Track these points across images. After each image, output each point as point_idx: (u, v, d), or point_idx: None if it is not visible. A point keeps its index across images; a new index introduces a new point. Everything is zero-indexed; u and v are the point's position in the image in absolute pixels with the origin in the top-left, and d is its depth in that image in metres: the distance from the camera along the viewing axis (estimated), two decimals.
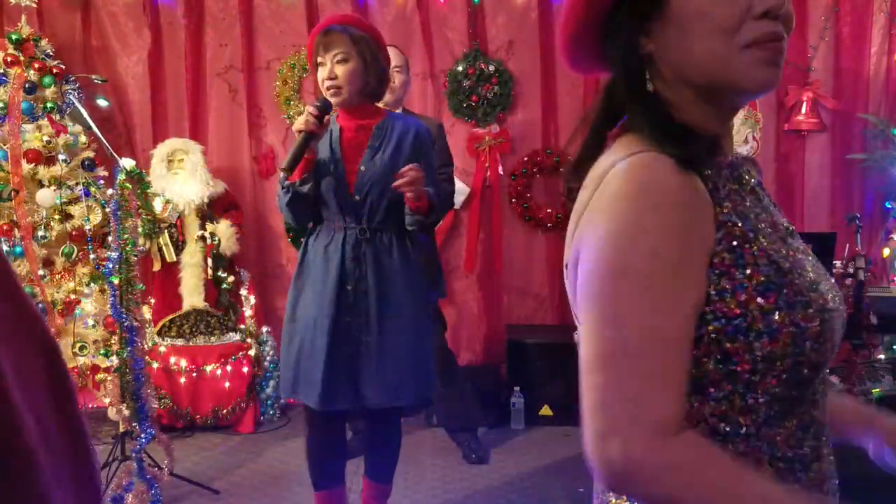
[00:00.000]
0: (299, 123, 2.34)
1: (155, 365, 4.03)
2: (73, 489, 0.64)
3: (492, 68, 4.60)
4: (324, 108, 2.36)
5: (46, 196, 3.96)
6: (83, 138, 4.15)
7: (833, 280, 0.88)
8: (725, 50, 0.81)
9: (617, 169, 0.81)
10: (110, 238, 3.06)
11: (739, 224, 0.79)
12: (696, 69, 0.84)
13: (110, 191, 3.06)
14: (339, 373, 2.40)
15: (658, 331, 0.74)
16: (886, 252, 4.29)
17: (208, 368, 4.13)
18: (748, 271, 0.77)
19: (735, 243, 0.78)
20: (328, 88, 2.39)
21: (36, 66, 4.04)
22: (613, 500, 0.89)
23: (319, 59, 2.40)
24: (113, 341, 3.84)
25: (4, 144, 3.95)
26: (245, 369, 4.19)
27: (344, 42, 2.35)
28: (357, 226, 2.44)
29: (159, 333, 4.23)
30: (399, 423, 2.75)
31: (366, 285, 2.41)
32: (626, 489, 0.79)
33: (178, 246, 4.31)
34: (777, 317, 0.77)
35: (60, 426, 0.64)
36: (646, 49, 0.86)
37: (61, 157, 4.00)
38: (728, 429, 0.80)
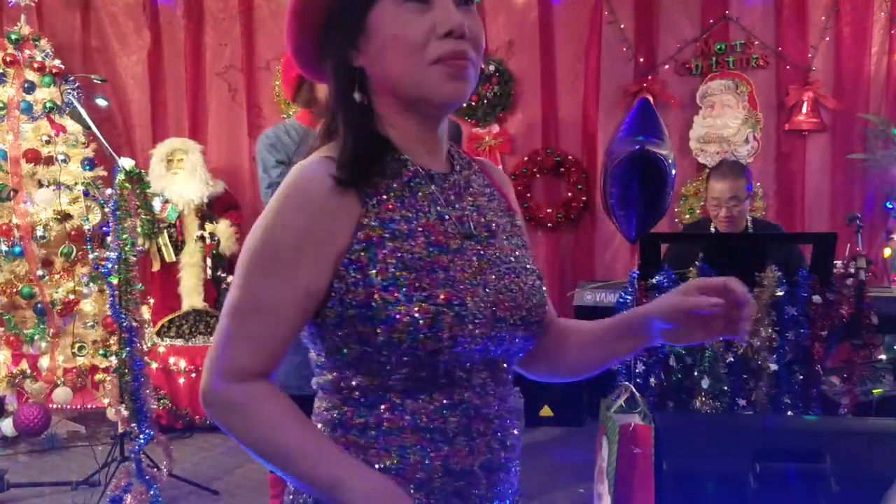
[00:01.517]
0: None
1: (154, 365, 4.02)
2: None
3: (492, 68, 4.60)
4: None
5: (46, 196, 3.95)
6: (82, 138, 4.14)
7: (520, 275, 1.00)
8: (415, 66, 0.92)
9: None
10: (109, 238, 3.06)
11: (379, 228, 0.92)
12: (393, 84, 0.94)
13: (109, 190, 3.06)
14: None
15: (256, 300, 0.92)
16: (887, 252, 4.28)
17: None
18: (378, 268, 0.90)
19: (370, 244, 0.91)
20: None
21: (35, 65, 4.03)
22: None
23: None
24: (112, 341, 3.83)
25: (4, 144, 3.95)
26: None
27: None
28: None
29: (158, 334, 4.22)
30: None
31: None
32: (210, 417, 0.97)
33: (178, 246, 4.30)
34: (397, 308, 0.89)
35: None
36: (356, 62, 0.96)
37: (60, 156, 4.00)
38: (376, 397, 0.94)
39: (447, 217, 0.97)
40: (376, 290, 0.90)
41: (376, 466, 0.93)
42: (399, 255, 0.91)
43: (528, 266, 1.02)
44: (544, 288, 1.04)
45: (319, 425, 0.98)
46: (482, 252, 0.97)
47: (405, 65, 0.92)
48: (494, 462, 0.98)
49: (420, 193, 0.96)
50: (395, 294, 0.89)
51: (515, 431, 1.02)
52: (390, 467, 0.93)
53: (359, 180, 0.92)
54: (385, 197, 0.94)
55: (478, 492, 0.96)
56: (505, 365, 1.01)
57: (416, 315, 0.89)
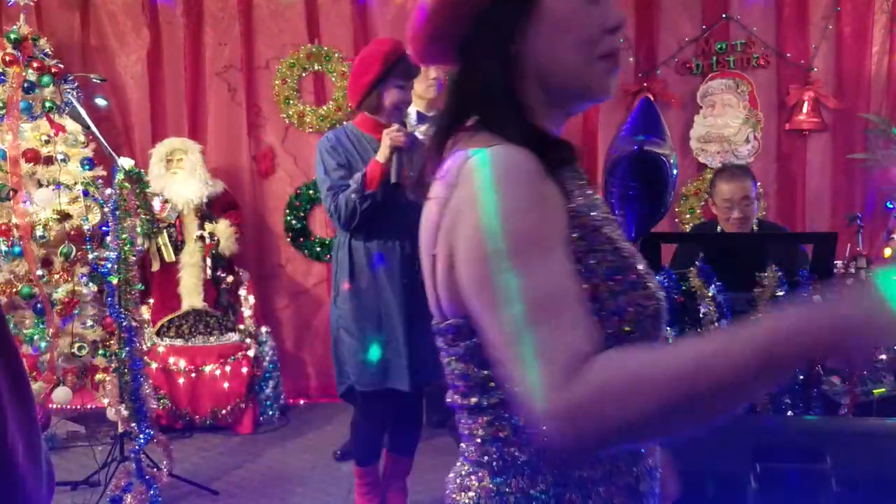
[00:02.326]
0: (398, 141, 2.61)
1: (154, 365, 4.03)
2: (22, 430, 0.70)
3: None
4: (404, 125, 2.69)
5: (45, 196, 3.95)
6: (82, 138, 4.14)
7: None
8: (586, 59, 0.89)
9: (476, 161, 0.84)
10: (109, 238, 3.05)
11: (587, 213, 0.86)
12: (559, 74, 0.90)
13: (109, 190, 3.05)
14: (417, 356, 2.69)
15: (549, 290, 0.76)
16: (888, 252, 4.28)
17: (207, 369, 4.12)
18: (598, 256, 0.83)
19: (585, 231, 0.84)
20: (402, 108, 2.73)
21: (35, 65, 4.02)
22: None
23: (400, 83, 2.69)
24: (112, 341, 3.83)
25: (3, 144, 3.94)
26: (244, 370, 4.18)
27: (415, 70, 2.74)
28: (410, 226, 2.62)
29: (158, 333, 4.22)
30: (420, 400, 3.04)
31: (421, 275, 2.62)
32: (576, 446, 0.73)
33: (177, 246, 4.30)
34: (623, 298, 0.82)
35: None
36: (514, 52, 0.90)
37: (60, 156, 3.99)
38: None
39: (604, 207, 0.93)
40: (600, 280, 0.83)
41: (589, 479, 0.87)
42: (611, 241, 0.86)
43: None
44: None
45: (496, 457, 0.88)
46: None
47: (576, 56, 0.89)
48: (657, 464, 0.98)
49: (585, 184, 0.92)
50: (621, 283, 0.84)
51: None
52: (600, 479, 0.88)
53: (557, 167, 0.87)
54: (574, 184, 0.89)
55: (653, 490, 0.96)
56: None
57: (646, 304, 0.84)
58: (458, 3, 0.91)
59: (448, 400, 0.96)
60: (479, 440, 0.92)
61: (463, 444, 0.96)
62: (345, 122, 2.96)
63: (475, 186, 0.82)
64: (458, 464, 0.97)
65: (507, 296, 0.76)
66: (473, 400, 0.91)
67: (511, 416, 0.87)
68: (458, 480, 0.95)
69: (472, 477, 0.93)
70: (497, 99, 0.90)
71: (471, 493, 0.92)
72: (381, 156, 2.62)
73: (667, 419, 0.72)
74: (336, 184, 2.70)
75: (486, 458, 0.91)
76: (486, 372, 0.88)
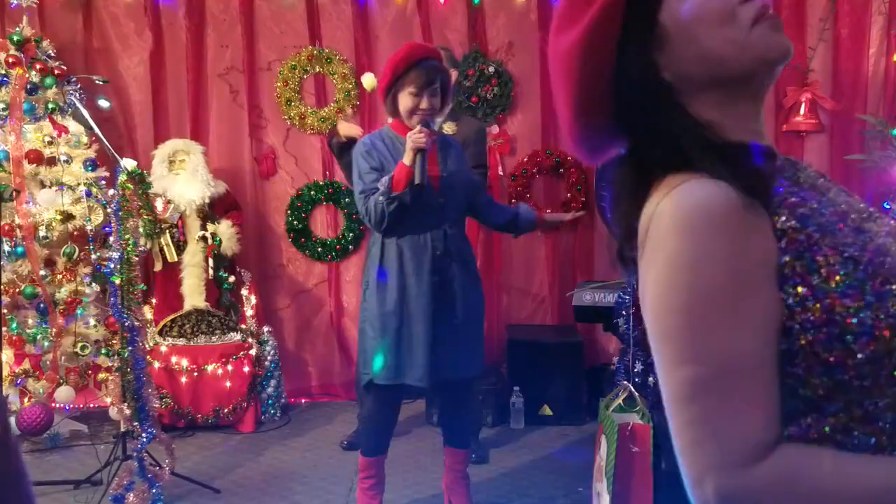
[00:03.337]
0: (420, 143, 2.66)
1: (156, 364, 4.05)
2: None
3: (492, 69, 4.61)
4: (429, 128, 2.72)
5: (48, 196, 3.97)
6: (84, 139, 4.16)
7: None
8: (738, 33, 0.83)
9: (662, 205, 0.79)
10: (112, 238, 3.07)
11: (801, 228, 0.76)
12: (723, 63, 0.84)
13: (112, 191, 3.08)
14: (437, 353, 2.78)
15: (733, 357, 0.72)
16: None
17: (209, 368, 4.15)
18: (823, 274, 0.74)
19: (802, 249, 0.75)
20: (421, 115, 2.74)
21: (37, 66, 4.05)
22: None
23: (413, 90, 2.72)
24: (114, 341, 3.86)
25: (6, 145, 3.96)
26: (246, 369, 4.20)
27: (438, 76, 2.76)
28: (442, 224, 2.81)
29: (160, 333, 4.24)
30: (476, 389, 3.18)
31: (452, 274, 2.81)
32: None
33: (180, 246, 4.32)
34: (869, 313, 0.72)
35: None
36: (665, 78, 0.85)
37: (63, 157, 4.01)
38: (856, 442, 0.75)
39: (840, 200, 0.84)
40: (835, 298, 0.73)
41: None
42: (840, 249, 0.75)
43: None
44: None
45: None
46: (879, 234, 0.81)
47: (727, 36, 0.83)
48: None
49: (804, 180, 0.85)
50: (862, 297, 0.73)
51: None
52: None
53: (766, 186, 0.78)
54: (785, 191, 0.80)
55: None
56: None
57: None
58: (591, 77, 0.86)
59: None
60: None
61: None
62: (383, 126, 3.02)
63: (662, 231, 0.77)
64: None
65: (691, 354, 0.73)
66: None
67: None
68: None
69: None
70: (676, 133, 0.84)
71: None
72: (407, 158, 2.67)
73: None
74: (368, 187, 2.77)
75: None
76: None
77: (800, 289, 0.73)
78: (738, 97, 0.87)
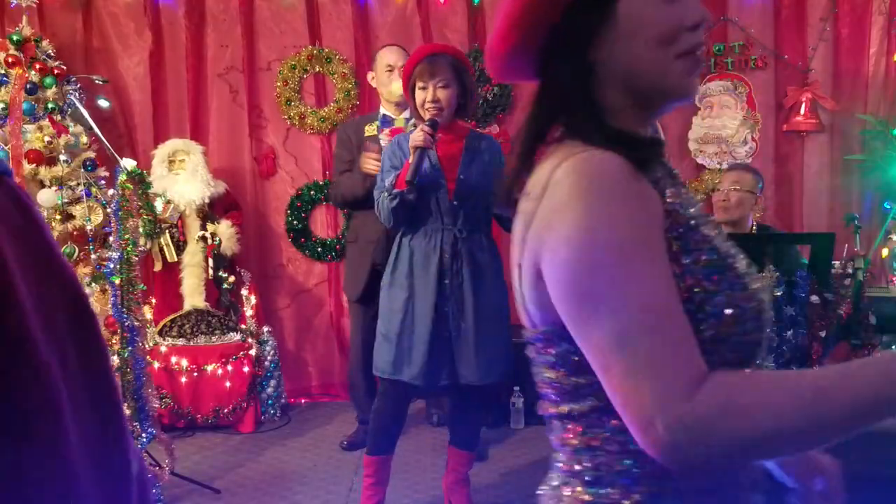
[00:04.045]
0: (417, 141, 2.68)
1: (156, 365, 4.04)
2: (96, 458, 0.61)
3: None
4: (434, 126, 2.71)
5: (48, 196, 3.97)
6: (84, 139, 4.15)
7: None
8: (664, 58, 0.88)
9: (563, 170, 0.84)
10: (111, 238, 3.07)
11: (683, 213, 0.84)
12: (640, 76, 0.89)
13: (111, 191, 3.07)
14: (438, 354, 2.78)
15: (653, 302, 0.77)
16: (885, 252, 4.30)
17: (209, 368, 4.14)
18: (694, 256, 0.81)
19: (681, 230, 0.82)
20: (430, 109, 2.75)
21: (37, 66, 4.04)
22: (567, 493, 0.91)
23: (421, 84, 2.75)
24: (114, 341, 3.85)
25: (6, 145, 3.96)
26: (246, 369, 4.20)
27: (446, 69, 2.75)
28: (454, 227, 2.82)
29: (160, 333, 4.24)
30: (486, 398, 3.14)
31: (461, 278, 2.81)
32: (694, 459, 0.76)
33: (179, 246, 4.32)
34: (722, 298, 0.80)
35: (85, 380, 0.62)
36: (591, 57, 0.90)
37: (62, 157, 4.01)
38: None
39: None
40: (699, 280, 0.81)
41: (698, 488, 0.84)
42: (708, 239, 0.84)
43: None
44: None
45: (589, 461, 0.86)
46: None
47: (654, 55, 0.88)
48: None
49: (675, 179, 0.92)
50: (718, 283, 0.81)
51: None
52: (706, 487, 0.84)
53: (648, 166, 0.85)
54: (665, 183, 0.88)
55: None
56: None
57: (745, 304, 0.81)
58: (534, 18, 0.90)
59: (539, 411, 0.95)
60: (571, 450, 0.90)
61: (555, 455, 0.94)
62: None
63: (563, 196, 0.82)
64: (550, 474, 0.95)
65: (613, 306, 0.76)
66: (564, 408, 0.89)
67: (604, 423, 0.86)
68: (550, 492, 0.94)
69: (565, 488, 0.91)
70: (579, 106, 0.91)
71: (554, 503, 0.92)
72: (411, 156, 2.71)
73: (780, 442, 0.75)
74: (382, 185, 2.82)
75: (578, 467, 0.90)
76: (576, 379, 0.87)
77: (673, 265, 0.80)
78: (639, 108, 0.92)
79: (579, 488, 0.89)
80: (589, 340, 0.80)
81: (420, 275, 2.79)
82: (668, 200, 0.84)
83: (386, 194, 2.74)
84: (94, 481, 0.61)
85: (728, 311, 0.80)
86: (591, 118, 0.89)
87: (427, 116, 2.75)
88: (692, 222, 0.84)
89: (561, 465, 0.92)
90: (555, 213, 0.83)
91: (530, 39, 0.92)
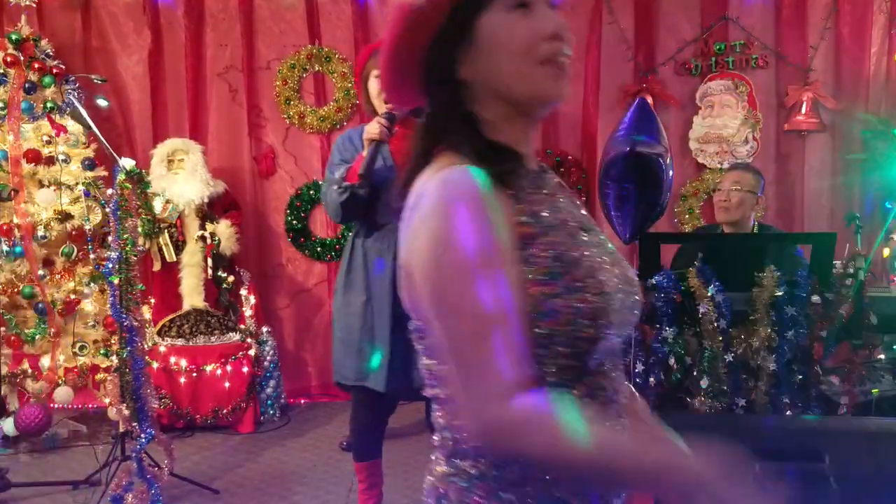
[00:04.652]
0: (373, 133, 2.55)
1: (155, 365, 4.03)
2: None
3: None
4: (391, 119, 2.58)
5: (46, 196, 3.96)
6: (83, 138, 4.15)
7: (626, 267, 1.01)
8: (526, 67, 0.96)
9: (432, 183, 0.93)
10: (110, 238, 3.06)
11: (530, 224, 0.93)
12: (508, 87, 0.98)
13: (110, 190, 3.06)
14: (400, 359, 2.60)
15: (487, 312, 0.87)
16: (886, 252, 4.29)
17: (208, 368, 4.13)
18: (537, 262, 0.91)
19: (525, 241, 0.92)
20: (387, 102, 2.59)
21: (36, 66, 4.04)
22: (438, 469, 1.01)
23: (376, 72, 2.60)
24: (113, 341, 3.84)
25: (4, 144, 3.95)
26: (245, 369, 4.19)
27: None
28: None
29: (159, 333, 4.23)
30: None
31: None
32: (506, 454, 0.90)
33: (178, 246, 4.31)
34: (557, 301, 0.89)
35: None
36: (461, 76, 0.99)
37: (61, 156, 4.00)
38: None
39: (564, 211, 1.00)
40: (534, 284, 0.90)
41: None
42: (553, 247, 0.93)
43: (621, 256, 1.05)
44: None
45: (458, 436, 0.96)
46: (599, 243, 1.01)
47: (517, 66, 0.96)
48: None
49: (545, 189, 1.00)
50: (554, 287, 0.90)
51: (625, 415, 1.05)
52: None
53: (506, 178, 0.94)
54: (527, 193, 0.96)
55: None
56: (621, 354, 1.04)
57: (579, 305, 0.90)
58: (407, 46, 1.00)
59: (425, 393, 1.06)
60: (440, 427, 1.02)
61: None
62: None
63: (427, 209, 0.92)
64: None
65: (455, 312, 0.88)
66: (436, 391, 1.01)
67: None
68: (431, 465, 1.05)
69: (435, 461, 1.03)
70: (454, 123, 1.00)
71: (430, 477, 1.04)
72: (365, 149, 2.58)
73: (561, 473, 0.89)
74: (330, 178, 2.68)
75: (442, 443, 1.01)
76: (441, 367, 0.98)
77: (518, 273, 0.90)
78: (517, 115, 1.01)
79: (442, 461, 1.01)
80: (439, 337, 0.93)
81: (378, 278, 2.66)
82: (517, 214, 0.93)
83: (335, 187, 2.59)
84: None
85: (562, 313, 0.89)
86: (462, 134, 0.98)
87: (383, 109, 2.61)
88: (538, 233, 0.93)
89: (435, 440, 1.03)
90: (420, 223, 0.93)
91: (408, 67, 1.02)
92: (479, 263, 0.87)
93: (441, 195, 0.90)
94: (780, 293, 2.52)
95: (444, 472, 1.00)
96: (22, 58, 4.01)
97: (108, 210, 3.16)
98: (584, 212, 1.06)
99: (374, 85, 2.66)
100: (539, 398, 0.86)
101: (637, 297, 1.01)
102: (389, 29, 1.02)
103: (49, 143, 4.01)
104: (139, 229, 3.20)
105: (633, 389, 1.13)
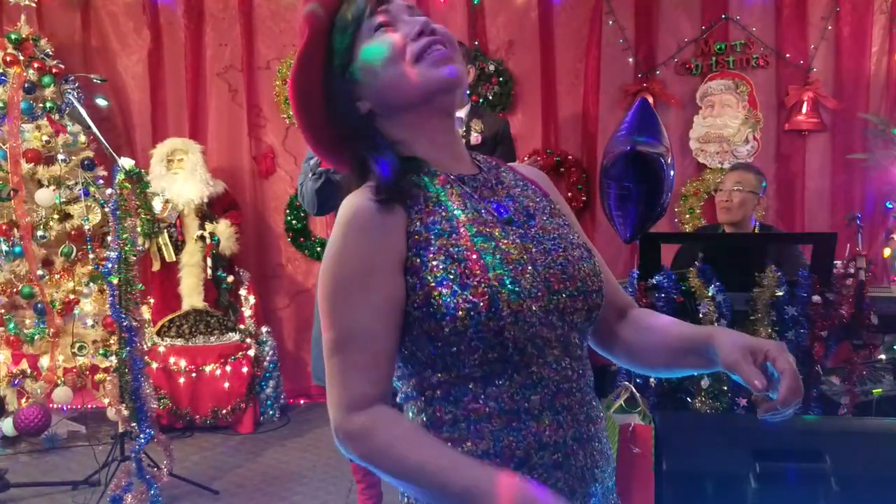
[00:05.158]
0: None
1: (154, 365, 4.03)
2: None
3: (492, 68, 4.60)
4: None
5: (46, 196, 3.95)
6: (82, 138, 4.15)
7: (569, 253, 1.05)
8: (404, 69, 1.02)
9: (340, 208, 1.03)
10: (109, 238, 3.06)
11: (423, 232, 0.99)
12: (395, 96, 1.04)
13: (109, 190, 3.06)
14: None
15: (349, 331, 0.97)
16: (887, 252, 4.28)
17: (208, 368, 4.13)
18: (429, 267, 0.97)
19: (420, 248, 0.98)
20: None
21: (35, 65, 4.03)
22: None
23: None
24: (112, 341, 3.84)
25: (4, 144, 3.95)
26: (244, 369, 4.18)
27: None
28: None
29: (159, 333, 4.22)
30: None
31: None
32: (358, 458, 0.98)
33: (178, 246, 4.30)
34: (454, 299, 0.95)
35: None
36: (364, 108, 1.06)
37: (60, 156, 4.00)
38: (458, 391, 0.99)
39: (483, 210, 1.04)
40: (432, 287, 0.96)
41: (476, 454, 0.98)
42: (446, 251, 0.98)
43: (573, 241, 1.08)
44: (595, 260, 1.09)
45: None
46: (524, 233, 1.04)
47: (395, 73, 1.03)
48: (584, 434, 1.03)
49: (454, 195, 1.05)
50: (451, 287, 0.96)
51: (594, 404, 1.07)
52: (488, 451, 0.98)
53: (398, 195, 1.00)
54: (425, 205, 1.02)
55: (576, 462, 1.01)
56: (577, 340, 1.05)
57: (475, 300, 0.95)
58: (304, 96, 1.07)
59: None
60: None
61: None
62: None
63: (332, 231, 1.02)
64: None
65: (328, 325, 0.98)
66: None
67: (401, 391, 1.08)
68: None
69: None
70: (363, 151, 1.06)
71: None
72: None
73: (397, 479, 0.96)
74: (306, 168, 2.59)
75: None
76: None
77: (412, 278, 0.97)
78: (427, 116, 1.06)
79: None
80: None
81: None
82: (414, 224, 1.00)
83: (310, 174, 2.49)
84: None
85: (460, 312, 0.95)
86: (373, 158, 1.04)
87: None
88: (431, 237, 0.99)
89: None
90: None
91: (316, 118, 1.08)
92: (354, 284, 0.97)
93: (339, 220, 1.00)
94: (780, 293, 2.52)
95: None
96: (21, 57, 4.01)
97: (107, 210, 3.15)
98: (535, 202, 1.10)
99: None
100: (370, 415, 0.95)
101: (582, 279, 1.03)
102: (289, 91, 1.09)
103: (48, 142, 4.00)
104: (138, 229, 3.19)
105: (649, 314, 1.17)
